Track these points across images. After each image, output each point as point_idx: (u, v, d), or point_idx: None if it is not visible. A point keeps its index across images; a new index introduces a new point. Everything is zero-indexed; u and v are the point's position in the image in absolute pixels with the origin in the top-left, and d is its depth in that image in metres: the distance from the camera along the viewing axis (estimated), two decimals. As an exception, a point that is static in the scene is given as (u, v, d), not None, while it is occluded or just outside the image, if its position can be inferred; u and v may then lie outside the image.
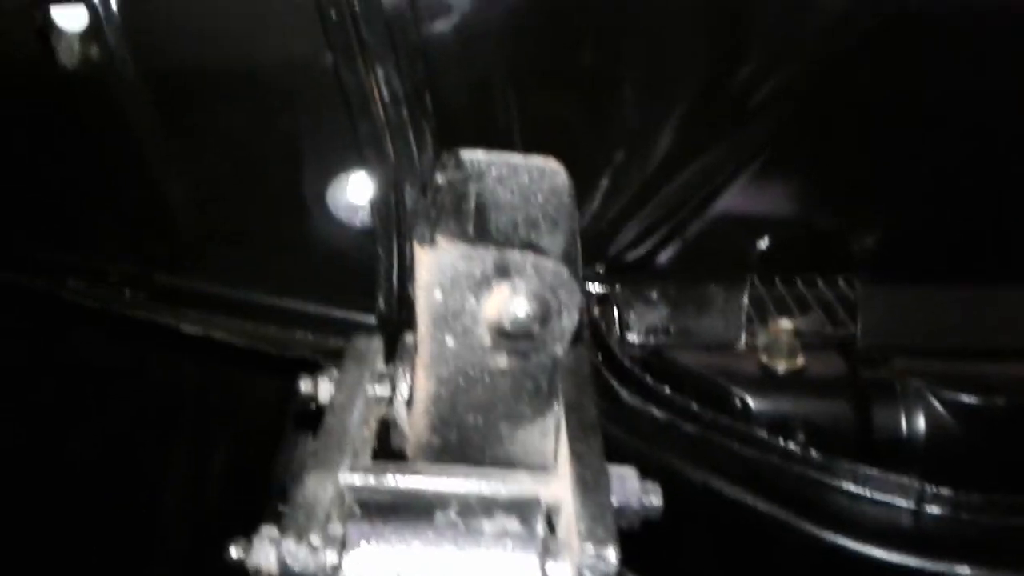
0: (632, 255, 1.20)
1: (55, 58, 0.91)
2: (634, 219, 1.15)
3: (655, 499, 0.69)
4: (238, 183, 1.00)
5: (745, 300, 1.22)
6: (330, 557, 0.59)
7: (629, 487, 0.68)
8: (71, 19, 0.89)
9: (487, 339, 0.71)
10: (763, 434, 1.06)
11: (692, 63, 1.02)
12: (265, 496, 2.90)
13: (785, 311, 1.23)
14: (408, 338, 0.81)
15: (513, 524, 0.59)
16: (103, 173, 1.00)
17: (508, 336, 0.70)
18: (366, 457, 0.75)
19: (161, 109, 0.95)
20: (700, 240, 1.20)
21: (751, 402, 1.15)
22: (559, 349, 0.71)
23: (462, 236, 0.71)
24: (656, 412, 1.13)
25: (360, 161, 0.95)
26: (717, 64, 1.04)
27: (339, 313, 1.05)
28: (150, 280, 1.04)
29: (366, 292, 1.04)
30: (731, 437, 1.07)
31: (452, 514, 0.60)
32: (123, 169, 1.00)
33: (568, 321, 0.70)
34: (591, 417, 0.72)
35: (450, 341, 0.71)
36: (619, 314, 1.23)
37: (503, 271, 0.69)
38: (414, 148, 0.80)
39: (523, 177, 0.91)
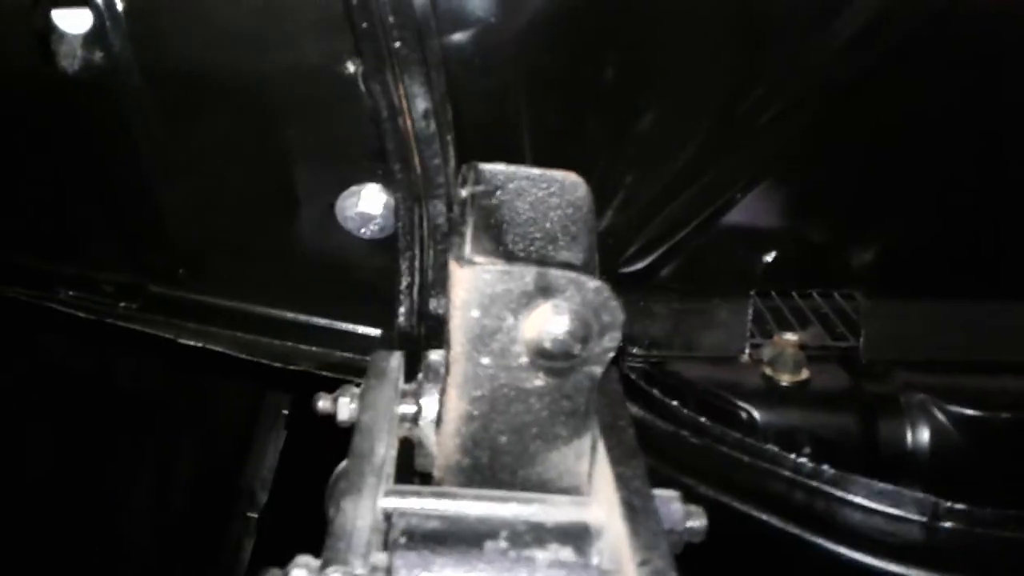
0: (637, 268, 1.18)
1: (55, 62, 0.87)
2: (641, 233, 1.14)
3: (699, 522, 0.67)
4: (241, 193, 0.96)
5: (749, 314, 1.22)
6: (375, 589, 0.56)
7: (673, 510, 0.66)
8: (74, 22, 0.85)
9: (524, 359, 0.69)
10: (773, 448, 1.05)
11: (707, 83, 1.02)
12: (233, 505, 2.85)
13: (788, 325, 1.23)
14: (433, 355, 0.79)
15: (567, 553, 0.57)
16: (99, 181, 0.96)
17: (547, 356, 0.68)
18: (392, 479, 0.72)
19: (163, 115, 0.91)
20: (705, 254, 1.19)
21: (757, 415, 1.14)
22: (598, 369, 0.69)
23: (500, 254, 0.69)
24: (662, 425, 1.12)
25: (368, 172, 0.92)
26: (731, 84, 1.03)
27: (344, 326, 1.02)
28: (144, 291, 1.00)
29: (371, 305, 1.02)
30: (740, 451, 1.06)
31: (502, 543, 0.58)
32: (121, 177, 0.96)
33: (609, 341, 0.68)
34: (630, 438, 0.70)
35: (485, 360, 0.69)
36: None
37: (544, 290, 0.67)
38: (440, 161, 0.77)
39: (542, 190, 0.89)
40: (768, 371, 1.19)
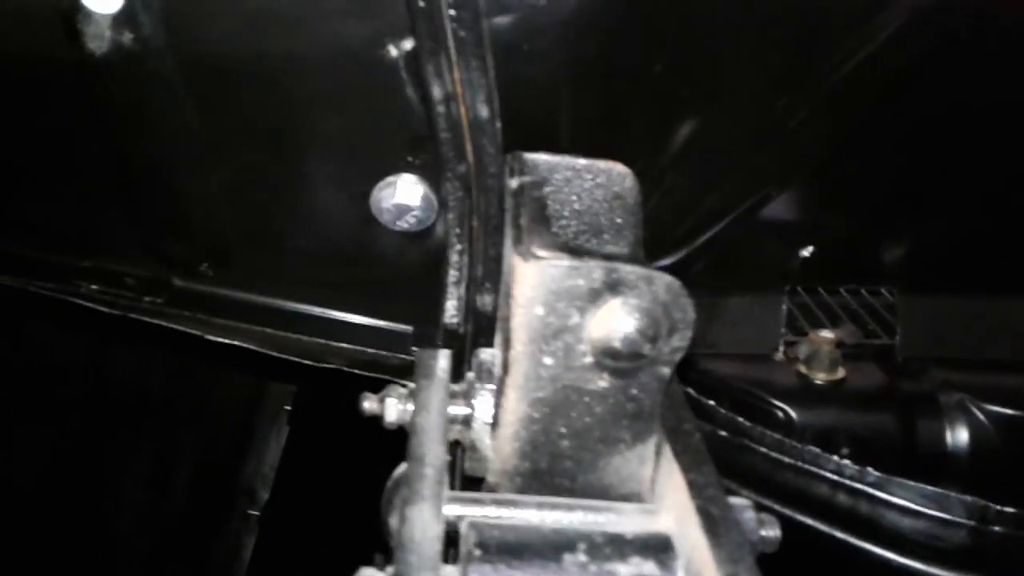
0: (670, 262, 1.15)
1: (81, 43, 0.82)
2: (676, 228, 1.11)
3: (773, 531, 0.64)
4: (270, 184, 0.92)
5: (783, 311, 1.19)
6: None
7: (747, 519, 0.64)
8: (103, 1, 0.81)
9: (589, 359, 0.66)
10: (814, 449, 1.03)
11: (748, 79, 0.99)
12: (233, 502, 2.81)
13: (820, 322, 1.20)
14: (484, 354, 0.76)
15: (651, 568, 0.54)
16: (125, 170, 0.92)
17: (614, 356, 0.65)
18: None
19: (193, 102, 0.87)
20: (739, 249, 1.16)
21: (794, 414, 1.12)
22: (667, 370, 0.66)
23: (564, 248, 0.66)
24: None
25: (405, 162, 0.89)
26: (770, 81, 1.00)
27: (376, 323, 0.99)
28: (169, 285, 0.97)
29: (404, 301, 0.99)
30: (780, 452, 1.03)
31: (581, 556, 0.55)
32: (146, 166, 0.92)
33: (679, 340, 0.65)
34: (697, 442, 0.67)
35: (548, 360, 0.66)
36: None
37: (613, 286, 0.64)
38: (493, 149, 0.74)
39: (588, 181, 0.85)
40: (803, 369, 1.16)
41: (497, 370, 0.71)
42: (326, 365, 0.99)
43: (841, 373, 1.16)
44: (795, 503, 0.99)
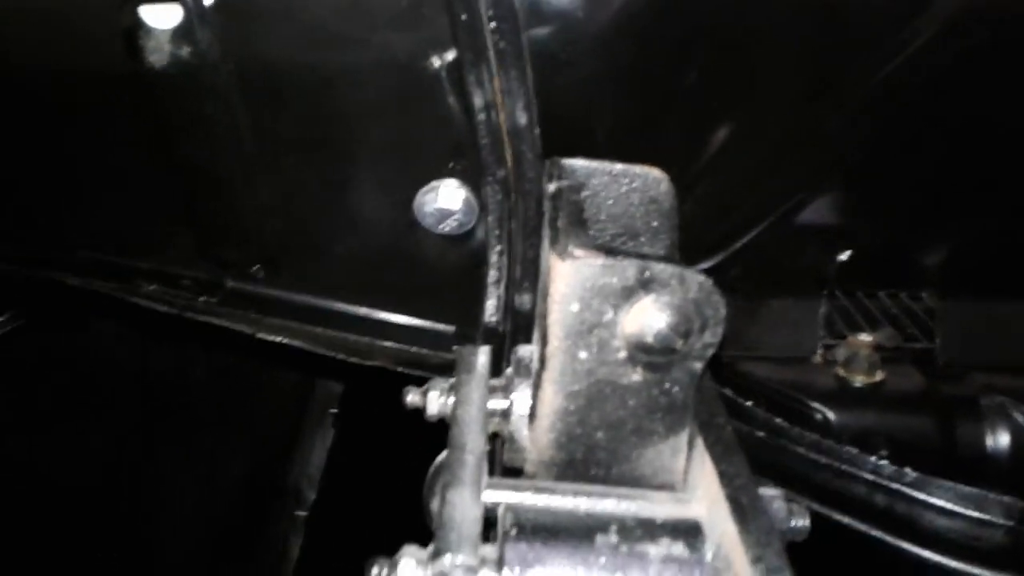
0: (707, 265, 1.17)
1: (141, 57, 0.87)
2: (712, 232, 1.13)
3: (802, 521, 0.66)
4: (320, 190, 0.97)
5: (821, 314, 1.20)
6: (487, 580, 0.56)
7: (777, 508, 0.65)
8: (162, 17, 0.86)
9: (623, 353, 0.68)
10: (851, 449, 1.03)
11: (784, 85, 1.01)
12: (280, 504, 2.86)
13: (857, 326, 1.21)
14: (522, 350, 0.79)
15: (679, 549, 0.57)
16: (182, 179, 0.97)
17: (647, 351, 0.67)
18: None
19: (247, 112, 0.91)
20: (776, 253, 1.17)
21: (832, 416, 1.13)
22: (699, 365, 0.69)
23: (599, 248, 0.69)
24: (735, 424, 1.11)
25: (447, 167, 0.92)
26: (807, 87, 1.02)
27: (419, 322, 1.02)
28: (222, 286, 1.01)
29: (446, 302, 1.02)
30: (817, 452, 1.04)
31: (613, 537, 0.58)
32: (203, 175, 0.97)
33: (711, 336, 0.67)
34: (728, 435, 0.69)
35: (583, 355, 0.68)
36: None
37: (646, 283, 0.66)
38: (532, 155, 0.77)
39: (624, 185, 0.88)
40: (841, 372, 1.17)
41: (535, 365, 0.74)
42: (371, 363, 1.02)
43: (880, 376, 1.16)
44: (832, 502, 1.00)
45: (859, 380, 1.16)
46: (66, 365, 2.21)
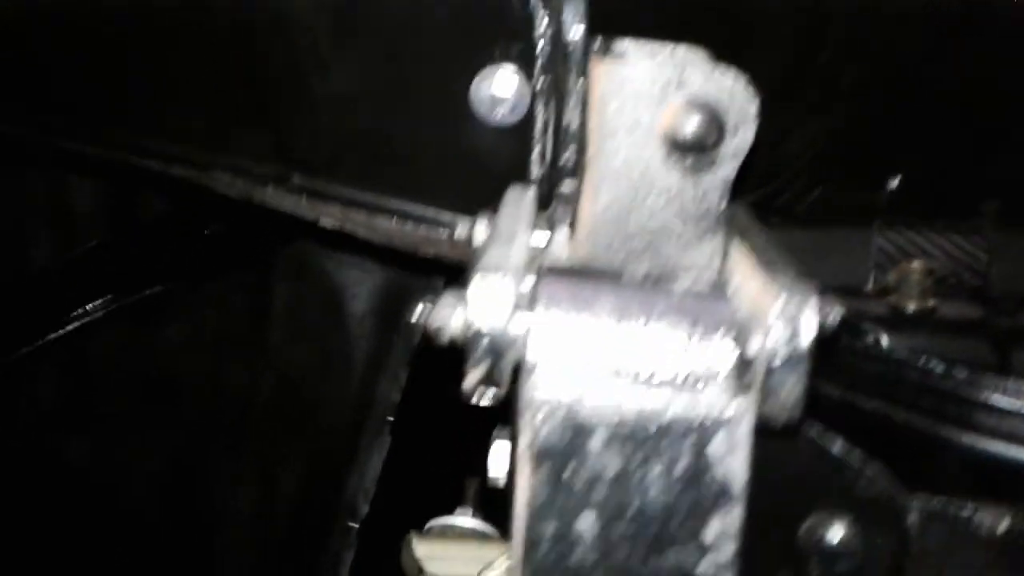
0: (753, 198, 1.19)
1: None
2: (761, 160, 1.15)
3: (834, 315, 0.67)
4: (386, 83, 1.03)
5: (873, 245, 1.20)
6: (519, 314, 0.58)
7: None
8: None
9: (659, 154, 0.71)
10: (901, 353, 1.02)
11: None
12: (336, 519, 2.86)
13: (913, 256, 1.21)
14: (565, 187, 0.82)
15: (701, 286, 0.59)
16: (258, 73, 1.05)
17: (682, 148, 0.70)
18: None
19: (324, 8, 0.99)
20: (824, 183, 1.19)
21: (884, 339, 1.12)
22: (732, 168, 0.71)
23: (636, 49, 0.73)
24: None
25: (503, 52, 0.97)
26: None
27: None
28: (289, 180, 1.07)
29: (496, 195, 1.06)
30: (866, 359, 1.04)
31: (639, 277, 0.60)
32: (278, 73, 1.04)
33: (743, 138, 0.70)
34: (765, 240, 0.71)
35: (621, 156, 0.72)
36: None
37: (680, 82, 0.70)
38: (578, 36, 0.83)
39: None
40: (893, 299, 1.17)
41: (574, 184, 0.77)
42: (424, 255, 1.06)
43: (932, 303, 1.15)
44: (881, 398, 0.99)
45: (911, 306, 1.15)
46: (136, 370, 2.28)
